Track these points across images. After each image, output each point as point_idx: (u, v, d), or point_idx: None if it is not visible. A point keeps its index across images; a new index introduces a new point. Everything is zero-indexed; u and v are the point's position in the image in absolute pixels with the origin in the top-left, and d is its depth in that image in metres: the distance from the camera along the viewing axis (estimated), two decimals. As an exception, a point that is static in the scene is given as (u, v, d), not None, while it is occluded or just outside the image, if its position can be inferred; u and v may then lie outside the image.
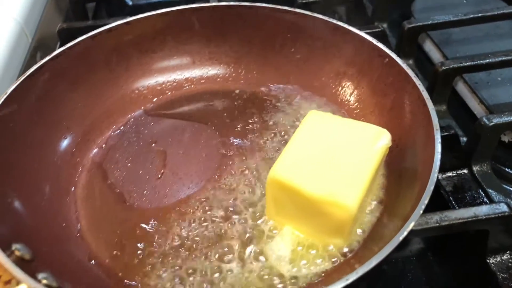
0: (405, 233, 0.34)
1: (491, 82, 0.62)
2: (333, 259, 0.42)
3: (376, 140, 0.43)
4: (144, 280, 0.42)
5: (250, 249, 0.44)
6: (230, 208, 0.47)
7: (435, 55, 0.69)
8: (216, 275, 0.42)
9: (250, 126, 0.56)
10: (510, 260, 0.44)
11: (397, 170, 0.47)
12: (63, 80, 0.53)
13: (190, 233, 0.45)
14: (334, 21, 0.56)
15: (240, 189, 0.49)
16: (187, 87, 0.61)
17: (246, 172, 0.51)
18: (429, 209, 0.39)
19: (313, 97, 0.58)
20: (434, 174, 0.38)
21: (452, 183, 0.52)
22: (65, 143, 0.52)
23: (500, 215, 0.42)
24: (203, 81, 0.62)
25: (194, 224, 0.46)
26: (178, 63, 0.61)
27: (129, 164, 0.52)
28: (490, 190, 0.50)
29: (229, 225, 0.46)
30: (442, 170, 0.52)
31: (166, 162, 0.52)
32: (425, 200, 0.36)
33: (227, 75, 0.62)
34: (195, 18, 0.60)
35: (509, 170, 0.55)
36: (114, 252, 0.44)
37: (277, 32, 0.59)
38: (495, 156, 0.54)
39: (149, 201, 0.49)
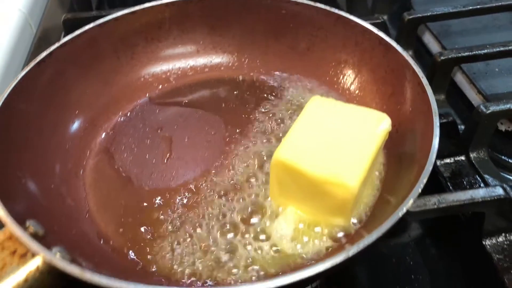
0: (405, 209, 0.35)
1: (489, 72, 0.63)
2: (335, 238, 0.43)
3: (377, 124, 0.44)
4: (152, 257, 0.43)
5: (254, 228, 0.45)
6: (235, 190, 0.49)
7: (434, 47, 0.71)
8: (221, 252, 0.44)
9: (254, 113, 0.57)
10: (505, 242, 0.46)
11: (397, 154, 0.48)
12: (71, 67, 0.54)
13: (196, 212, 0.47)
14: (336, 11, 0.57)
15: (244, 172, 0.50)
16: (191, 75, 0.62)
17: (251, 156, 0.52)
18: (427, 193, 0.41)
19: (315, 85, 0.59)
20: (433, 155, 0.39)
21: (450, 169, 0.53)
22: (73, 128, 0.53)
23: (496, 198, 0.43)
24: (207, 69, 0.63)
25: (200, 204, 0.48)
26: (182, 51, 0.63)
27: (135, 149, 0.53)
28: (487, 176, 0.51)
29: (234, 205, 0.47)
30: (440, 156, 0.54)
31: (172, 147, 0.54)
32: (424, 178, 0.37)
33: (230, 64, 0.63)
34: (199, 8, 0.61)
35: (505, 158, 0.56)
36: (122, 231, 0.45)
37: (280, 22, 0.60)
38: (492, 144, 0.55)
39: (156, 183, 0.50)
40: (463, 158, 0.54)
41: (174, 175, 0.51)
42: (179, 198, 0.48)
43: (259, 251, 0.43)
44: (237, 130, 0.55)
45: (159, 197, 0.48)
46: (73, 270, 0.33)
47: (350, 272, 0.47)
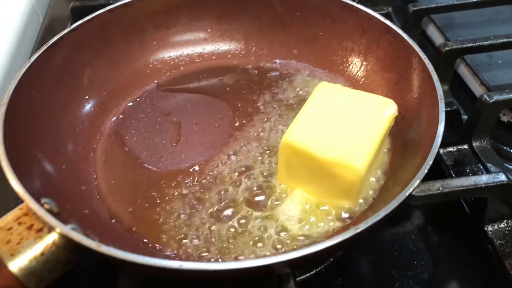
0: (411, 189, 0.36)
1: (492, 64, 0.64)
2: (342, 220, 0.44)
3: (383, 110, 0.45)
4: (161, 236, 0.44)
5: (261, 209, 0.46)
6: (244, 173, 0.50)
7: (438, 39, 0.71)
8: (230, 231, 0.45)
9: (261, 99, 0.58)
10: (507, 228, 0.47)
11: (402, 140, 0.49)
12: (82, 52, 0.55)
13: (205, 193, 0.48)
14: (343, -1, 0.58)
15: (252, 155, 0.51)
16: (199, 62, 0.63)
17: (258, 141, 0.53)
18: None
19: (321, 72, 0.60)
20: (438, 138, 0.40)
21: (453, 157, 0.54)
22: (84, 111, 0.54)
23: (498, 183, 0.44)
24: (214, 56, 0.64)
25: (208, 185, 0.49)
26: (190, 38, 0.63)
27: (145, 133, 0.54)
28: (489, 165, 0.52)
29: (242, 187, 0.48)
30: (443, 145, 0.54)
31: (180, 132, 0.54)
32: (430, 160, 0.38)
33: (237, 51, 0.64)
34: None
35: (507, 149, 0.57)
36: (132, 210, 0.47)
37: (286, 10, 0.61)
38: (495, 135, 0.55)
39: (165, 165, 0.51)
40: (465, 146, 0.55)
41: (183, 158, 0.52)
42: (188, 179, 0.49)
43: (267, 232, 0.44)
44: (245, 116, 0.56)
45: (169, 179, 0.49)
46: (90, 243, 0.33)
47: (354, 259, 0.48)
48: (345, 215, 0.44)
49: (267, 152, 0.52)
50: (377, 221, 0.34)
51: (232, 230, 0.45)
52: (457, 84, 0.64)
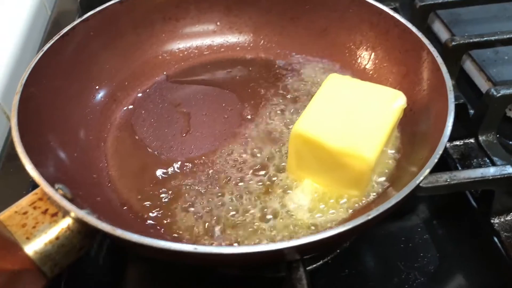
0: (421, 178, 0.37)
1: (498, 60, 0.64)
2: (352, 208, 0.44)
3: (392, 101, 0.46)
4: (172, 222, 0.45)
5: (271, 199, 0.47)
6: (253, 162, 0.50)
7: (444, 35, 0.71)
8: (239, 218, 0.45)
9: (270, 91, 0.59)
10: (514, 220, 0.47)
11: (411, 133, 0.49)
12: (93, 42, 0.56)
13: (214, 182, 0.49)
14: (351, -7, 0.58)
15: (261, 146, 0.52)
16: (208, 54, 0.64)
17: (267, 132, 0.53)
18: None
19: (330, 65, 0.61)
20: (447, 129, 0.41)
21: (459, 151, 0.54)
22: (95, 101, 0.55)
23: (506, 176, 0.44)
24: (223, 49, 0.64)
25: (218, 175, 0.49)
26: (199, 31, 0.64)
27: (155, 124, 0.55)
28: (495, 158, 0.52)
29: (251, 176, 0.49)
30: (449, 138, 0.54)
31: (190, 122, 0.55)
32: (439, 150, 0.39)
33: (246, 44, 0.64)
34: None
35: (514, 144, 0.57)
36: (141, 198, 0.47)
37: (295, 3, 0.62)
38: (501, 130, 0.56)
39: (175, 154, 0.52)
40: (472, 140, 0.55)
41: (193, 148, 0.52)
42: (198, 168, 0.50)
43: (277, 220, 0.45)
44: (253, 107, 0.57)
45: (179, 168, 0.50)
46: (105, 226, 0.34)
47: (360, 250, 0.49)
48: (355, 204, 0.45)
49: (276, 143, 0.52)
50: (388, 207, 0.34)
51: (242, 217, 0.45)
52: (463, 80, 0.65)
